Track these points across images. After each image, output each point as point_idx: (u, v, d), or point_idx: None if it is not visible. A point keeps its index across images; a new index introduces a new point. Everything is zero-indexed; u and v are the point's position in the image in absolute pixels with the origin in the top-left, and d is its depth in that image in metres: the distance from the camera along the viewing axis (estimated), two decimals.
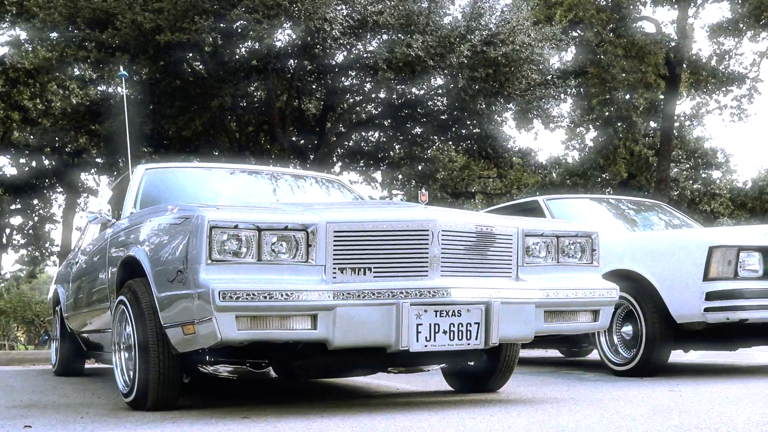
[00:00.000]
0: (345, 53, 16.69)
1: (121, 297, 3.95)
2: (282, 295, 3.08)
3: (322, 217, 3.32)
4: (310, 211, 3.50)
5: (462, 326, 3.36)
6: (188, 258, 3.25)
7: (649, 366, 5.49)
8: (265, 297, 3.06)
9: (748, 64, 23.38)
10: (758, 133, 68.58)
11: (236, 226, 3.19)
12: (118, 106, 14.22)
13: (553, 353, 9.94)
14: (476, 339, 3.39)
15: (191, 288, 3.20)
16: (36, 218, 28.26)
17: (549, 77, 15.89)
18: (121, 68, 5.94)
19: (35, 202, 27.38)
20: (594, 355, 9.00)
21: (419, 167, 21.32)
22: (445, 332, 3.32)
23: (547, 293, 3.64)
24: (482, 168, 26.65)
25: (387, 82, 14.12)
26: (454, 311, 3.34)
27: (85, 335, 6.16)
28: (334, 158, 19.30)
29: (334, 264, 3.27)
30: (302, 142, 19.26)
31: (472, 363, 4.44)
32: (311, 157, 17.98)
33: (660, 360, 5.52)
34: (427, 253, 3.37)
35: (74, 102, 17.77)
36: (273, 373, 3.88)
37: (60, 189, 26.74)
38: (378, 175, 24.83)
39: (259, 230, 3.22)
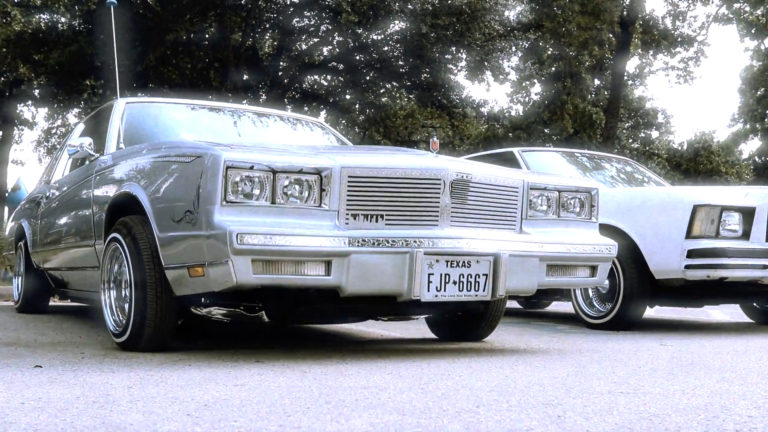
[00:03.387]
0: None
1: (115, 234, 3.81)
2: (297, 240, 3.02)
3: (336, 161, 3.25)
4: (323, 155, 3.42)
5: (471, 277, 3.36)
6: (200, 198, 3.13)
7: (625, 320, 5.59)
8: (282, 241, 2.98)
9: (697, 26, 23.74)
10: (697, 96, 70.24)
11: (252, 167, 3.10)
12: (68, 36, 13.64)
13: (511, 304, 10.07)
14: (484, 290, 3.40)
15: (203, 229, 3.09)
16: None
17: (509, 29, 15.83)
18: None
19: None
20: (552, 307, 9.18)
21: (369, 112, 21.15)
22: (455, 283, 3.32)
23: (549, 247, 3.67)
24: (426, 117, 26.61)
25: (349, 24, 13.86)
26: (464, 262, 3.33)
27: (55, 272, 5.96)
28: (286, 100, 18.99)
29: (347, 210, 3.22)
30: (253, 82, 18.87)
31: (460, 314, 4.46)
32: (263, 96, 17.65)
33: (635, 315, 5.63)
34: (438, 202, 3.35)
35: (16, 29, 17.00)
36: (266, 318, 3.80)
37: None
38: (322, 118, 24.64)
39: (274, 172, 3.13)
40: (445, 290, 3.29)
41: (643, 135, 34.91)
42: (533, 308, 9.33)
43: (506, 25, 15.70)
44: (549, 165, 7.29)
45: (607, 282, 5.78)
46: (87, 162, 5.05)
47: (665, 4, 23.20)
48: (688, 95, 72.93)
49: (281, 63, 18.35)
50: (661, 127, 34.45)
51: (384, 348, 4.11)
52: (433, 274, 3.25)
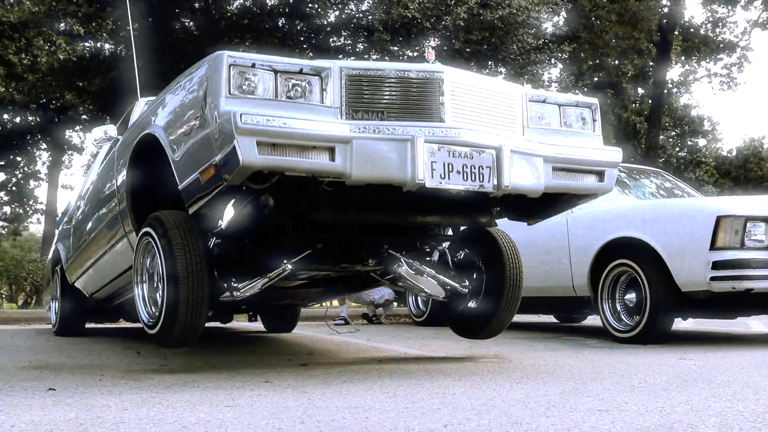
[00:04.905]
0: (337, 13, 16.50)
1: (147, 229, 3.88)
2: (300, 123, 3.13)
3: (335, 63, 3.40)
4: (324, 60, 3.57)
5: (475, 168, 3.42)
6: (206, 98, 3.28)
7: (653, 333, 5.54)
8: (284, 123, 3.09)
9: (739, 32, 23.38)
10: (745, 102, 68.96)
11: (253, 65, 3.23)
12: (110, 58, 13.98)
13: (548, 319, 10.03)
14: (488, 181, 3.44)
15: (212, 124, 3.22)
16: (20, 175, 27.90)
17: (543, 42, 15.78)
18: None
19: (19, 158, 27.02)
20: (590, 321, 9.10)
21: None
22: (458, 172, 3.38)
23: (553, 149, 3.71)
24: None
25: (382, 43, 13.97)
26: (466, 153, 3.40)
27: (86, 278, 6.06)
28: None
29: (348, 107, 3.33)
30: None
31: (467, 291, 4.42)
32: None
33: (663, 327, 5.57)
34: (436, 101, 3.44)
35: (61, 57, 17.47)
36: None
37: (45, 146, 26.44)
38: None
39: (276, 72, 3.26)
40: (449, 178, 3.36)
41: (690, 143, 34.40)
42: (568, 322, 9.29)
43: (539, 37, 15.62)
44: None
45: (633, 295, 5.75)
46: (113, 150, 5.20)
47: (704, 11, 22.94)
48: (736, 101, 71.68)
49: None
50: (707, 134, 33.91)
51: (399, 367, 4.13)
52: (435, 162, 3.32)
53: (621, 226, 5.90)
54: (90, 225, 5.61)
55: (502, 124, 3.69)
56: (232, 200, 3.76)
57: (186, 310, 3.55)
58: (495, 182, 3.45)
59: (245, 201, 3.74)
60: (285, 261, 3.87)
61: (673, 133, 33.78)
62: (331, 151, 3.18)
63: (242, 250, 4.01)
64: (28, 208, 29.48)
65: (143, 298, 4.03)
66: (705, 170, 32.64)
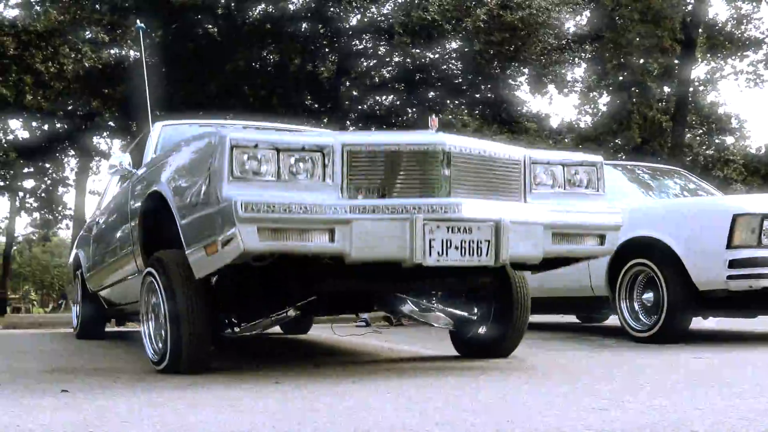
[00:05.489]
0: (359, 16, 16.56)
1: (150, 269, 3.99)
2: (300, 209, 3.16)
3: (336, 139, 3.44)
4: (326, 134, 3.64)
5: (473, 243, 3.42)
6: (210, 178, 3.33)
7: (670, 333, 5.51)
8: (285, 210, 3.13)
9: (765, 29, 23.13)
10: None
11: (256, 146, 3.28)
12: (132, 69, 14.16)
13: (570, 319, 9.98)
14: (486, 255, 3.44)
15: (214, 205, 3.27)
16: (49, 181, 28.28)
17: (564, 42, 15.73)
18: (138, 21, 6.02)
19: (48, 165, 27.36)
20: (611, 321, 9.04)
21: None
22: (456, 248, 3.38)
23: (554, 216, 3.70)
24: (494, 132, 26.53)
25: (403, 46, 14.01)
26: (464, 228, 3.40)
27: (104, 292, 6.19)
28: (348, 122, 19.24)
29: (349, 183, 3.37)
30: (316, 105, 19.17)
31: (476, 318, 4.47)
32: (325, 120, 17.92)
33: (681, 327, 5.54)
34: (437, 174, 3.46)
35: (87, 65, 17.71)
36: (292, 313, 3.95)
37: (72, 152, 26.77)
38: None
39: (278, 150, 3.31)
40: (447, 255, 3.36)
41: (717, 141, 33.99)
42: (589, 322, 9.23)
43: (561, 38, 15.58)
44: None
45: (651, 295, 5.72)
46: (128, 180, 5.31)
47: (728, 8, 22.71)
48: (763, 98, 70.69)
49: (342, 86, 18.61)
50: (735, 132, 33.49)
51: (411, 367, 4.16)
52: (434, 239, 3.33)
53: (638, 225, 5.87)
54: (107, 250, 5.73)
55: (503, 192, 3.71)
56: None
57: (188, 350, 3.68)
58: (493, 255, 3.45)
59: None
60: (288, 307, 3.95)
61: (701, 131, 33.41)
62: (331, 232, 3.22)
63: (246, 287, 4.07)
64: (57, 214, 29.87)
65: (149, 335, 4.14)
66: (733, 168, 32.23)
